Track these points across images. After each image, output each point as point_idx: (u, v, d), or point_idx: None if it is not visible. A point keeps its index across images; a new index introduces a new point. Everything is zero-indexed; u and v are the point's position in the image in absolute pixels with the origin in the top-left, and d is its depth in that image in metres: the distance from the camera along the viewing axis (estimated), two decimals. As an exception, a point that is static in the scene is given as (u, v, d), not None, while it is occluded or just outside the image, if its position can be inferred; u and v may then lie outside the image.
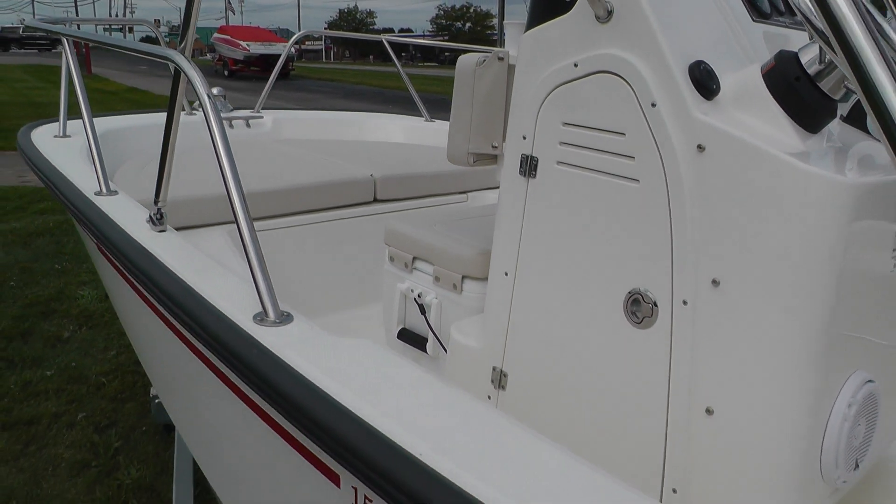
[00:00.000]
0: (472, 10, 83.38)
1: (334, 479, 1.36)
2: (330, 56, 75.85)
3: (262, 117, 4.51)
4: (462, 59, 2.25)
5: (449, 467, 1.05)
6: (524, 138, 1.73)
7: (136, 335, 2.82)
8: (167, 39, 6.03)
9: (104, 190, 2.48)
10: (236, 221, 1.62)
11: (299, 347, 1.43)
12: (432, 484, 1.03)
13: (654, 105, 1.45)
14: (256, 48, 30.53)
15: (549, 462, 1.08)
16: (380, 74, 41.49)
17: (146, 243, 2.01)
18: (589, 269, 1.62)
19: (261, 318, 1.56)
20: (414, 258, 2.35)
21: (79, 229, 3.25)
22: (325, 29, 76.88)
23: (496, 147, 2.22)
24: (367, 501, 1.28)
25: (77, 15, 37.37)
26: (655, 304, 1.50)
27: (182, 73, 1.93)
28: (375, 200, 3.36)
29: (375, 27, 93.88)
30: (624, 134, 1.52)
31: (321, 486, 1.41)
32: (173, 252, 1.95)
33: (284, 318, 1.56)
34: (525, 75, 1.73)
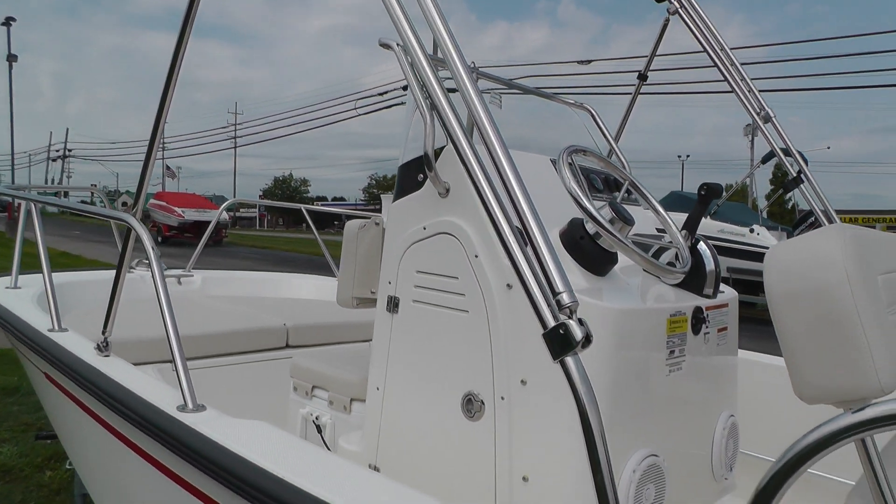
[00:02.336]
0: None
1: None
2: (264, 223, 76.50)
3: (192, 276, 4.94)
4: (349, 224, 2.69)
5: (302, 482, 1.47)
6: (389, 283, 2.16)
7: (70, 437, 3.11)
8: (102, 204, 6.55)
9: (56, 327, 2.85)
10: (166, 330, 2.05)
11: (212, 425, 1.82)
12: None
13: (476, 256, 1.91)
14: (191, 215, 29.72)
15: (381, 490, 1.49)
16: (312, 242, 42.16)
17: (95, 363, 2.37)
18: (435, 379, 2.01)
19: (182, 407, 1.94)
20: (313, 387, 2.66)
21: (26, 365, 3.58)
22: (261, 197, 77.76)
23: (374, 293, 2.60)
24: None
25: (13, 181, 37.65)
26: (483, 402, 1.88)
27: (132, 231, 2.37)
28: (287, 346, 3.74)
29: (309, 195, 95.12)
30: (457, 278, 1.96)
31: None
32: (117, 368, 2.32)
33: (199, 408, 1.95)
34: (392, 234, 2.17)
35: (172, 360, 2.05)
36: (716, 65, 2.89)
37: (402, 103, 33.59)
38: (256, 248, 34.76)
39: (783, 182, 3.07)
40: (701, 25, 2.93)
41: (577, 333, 1.21)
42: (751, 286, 13.05)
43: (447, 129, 1.52)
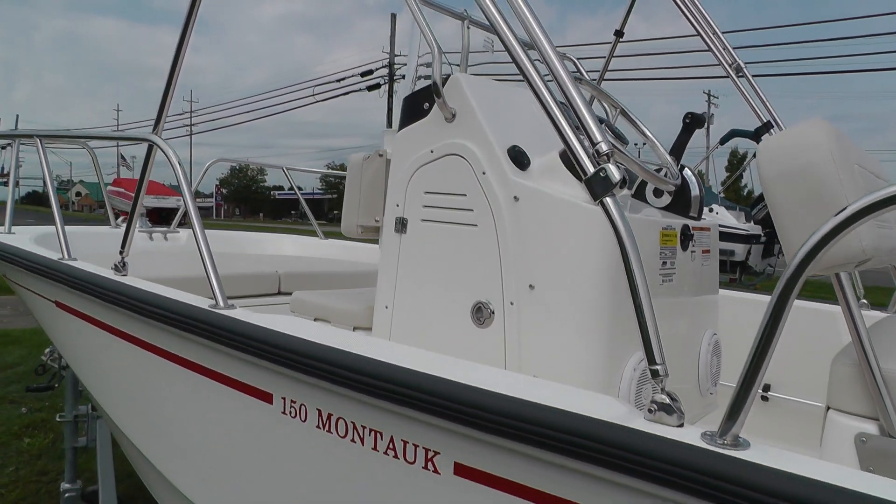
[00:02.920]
0: None
1: (266, 397, 1.96)
2: (220, 213, 75.80)
3: (178, 233, 5.08)
4: (352, 156, 2.83)
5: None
6: (397, 206, 2.28)
7: (87, 362, 3.25)
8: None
9: (66, 257, 3.02)
10: (194, 231, 2.31)
11: (245, 317, 2.08)
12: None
13: (484, 173, 2.04)
14: (150, 201, 29.62)
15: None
16: (270, 230, 42.03)
17: (115, 279, 2.61)
18: (445, 292, 2.14)
19: (213, 305, 2.17)
20: (315, 318, 2.75)
21: (30, 300, 3.70)
22: (217, 186, 76.83)
23: (378, 221, 2.73)
24: (293, 405, 1.89)
25: None
26: (492, 310, 2.00)
27: (154, 148, 2.64)
28: (279, 292, 3.89)
29: (266, 184, 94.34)
30: (465, 195, 2.09)
31: (255, 406, 2.00)
32: (141, 284, 2.53)
33: (229, 306, 2.18)
34: (398, 160, 2.30)
35: (202, 263, 2.27)
36: (686, 17, 3.02)
37: (358, 90, 33.81)
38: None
39: (756, 129, 3.19)
40: None
41: (615, 175, 1.43)
42: (714, 263, 13.34)
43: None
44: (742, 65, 3.02)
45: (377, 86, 33.42)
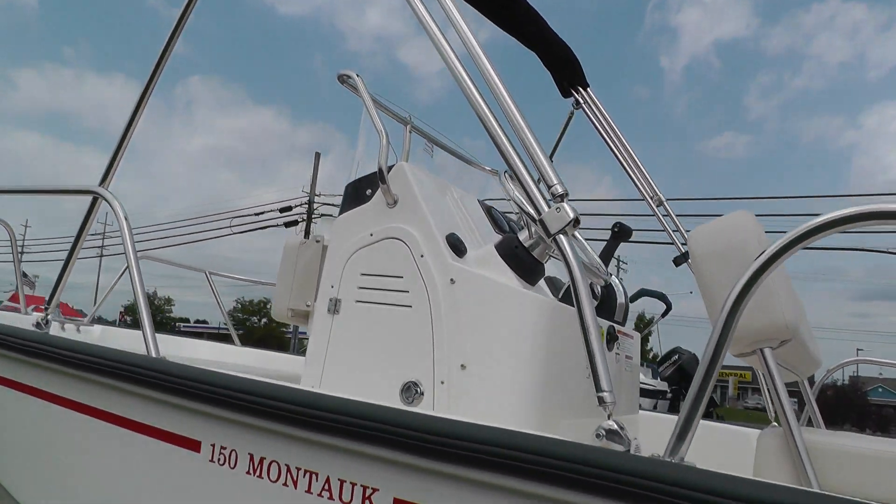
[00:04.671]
0: (268, 306, 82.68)
1: (194, 445, 1.93)
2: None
3: (92, 328, 4.89)
4: (288, 238, 2.91)
5: None
6: (332, 287, 2.35)
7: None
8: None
9: None
10: (132, 284, 2.34)
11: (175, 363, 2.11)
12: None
13: (422, 256, 2.14)
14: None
15: None
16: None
17: (35, 331, 2.58)
18: (374, 371, 2.19)
19: (145, 357, 2.16)
20: None
21: None
22: (121, 313, 74.31)
23: (309, 305, 2.73)
24: (222, 451, 1.87)
25: None
26: (421, 390, 2.06)
27: (99, 201, 2.66)
28: None
29: (172, 314, 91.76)
30: (402, 276, 2.18)
31: (182, 456, 1.96)
32: (69, 334, 2.45)
33: (160, 357, 2.20)
34: (336, 243, 2.39)
35: (137, 311, 2.32)
36: (614, 153, 3.27)
37: (276, 225, 33.80)
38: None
39: (673, 259, 3.46)
40: (602, 119, 3.33)
41: (570, 213, 1.53)
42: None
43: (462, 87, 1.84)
44: (663, 199, 3.26)
45: (295, 223, 33.61)
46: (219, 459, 1.93)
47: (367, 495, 1.63)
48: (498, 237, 2.46)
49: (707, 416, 14.91)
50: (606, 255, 2.56)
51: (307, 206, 34.22)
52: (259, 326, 76.43)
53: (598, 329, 1.50)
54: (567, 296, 2.49)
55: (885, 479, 1.42)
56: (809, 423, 2.93)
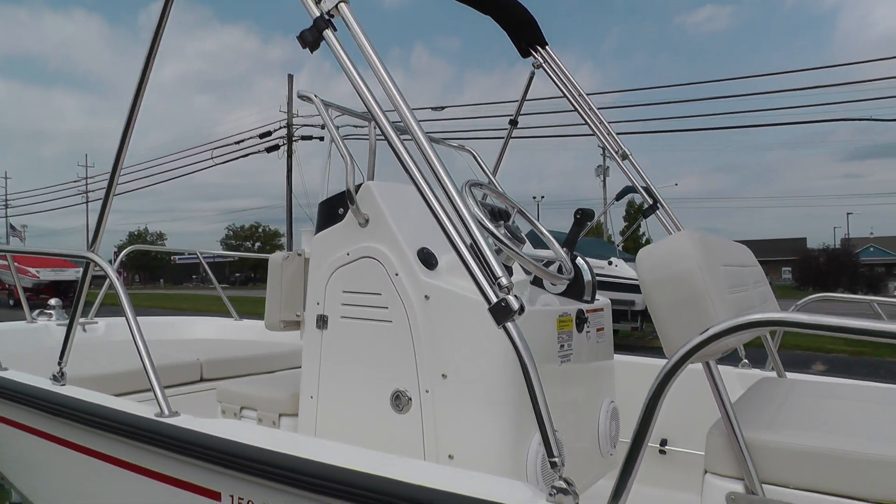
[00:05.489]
0: (260, 230, 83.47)
1: (215, 496, 2.08)
2: (126, 280, 73.44)
3: (96, 322, 5.10)
4: (273, 255, 3.02)
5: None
6: (318, 304, 2.48)
7: (34, 478, 3.21)
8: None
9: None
10: (136, 345, 2.45)
11: (191, 424, 2.20)
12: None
13: (396, 274, 2.26)
14: (46, 274, 28.31)
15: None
16: (172, 297, 40.84)
17: (57, 390, 2.69)
18: (365, 382, 2.33)
19: (159, 414, 2.28)
20: (241, 408, 2.94)
21: None
22: (115, 252, 74.27)
23: (299, 316, 2.91)
24: (240, 500, 2.02)
25: None
26: (409, 398, 2.21)
27: (91, 264, 2.82)
28: (202, 380, 3.98)
29: (165, 249, 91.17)
30: (380, 294, 2.29)
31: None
32: (81, 394, 2.61)
33: (175, 413, 2.29)
34: (317, 261, 2.49)
35: (146, 371, 2.40)
36: (577, 110, 3.36)
37: (257, 152, 33.60)
38: (116, 305, 32.34)
39: (642, 210, 3.56)
40: (562, 76, 3.39)
41: (515, 304, 1.67)
42: (613, 315, 13.78)
43: (398, 155, 1.89)
44: (628, 151, 3.35)
45: (276, 147, 33.36)
46: None
47: None
48: None
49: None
50: (572, 241, 2.68)
51: (286, 129, 33.91)
52: (253, 250, 76.48)
53: (546, 407, 1.65)
54: (539, 279, 2.61)
55: (823, 475, 1.56)
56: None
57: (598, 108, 3.41)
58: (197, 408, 3.52)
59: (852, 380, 3.04)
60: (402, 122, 1.92)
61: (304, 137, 33.52)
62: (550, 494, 1.57)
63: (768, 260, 70.19)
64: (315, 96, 2.54)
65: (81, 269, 2.95)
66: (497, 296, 1.70)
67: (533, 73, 3.66)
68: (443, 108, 25.81)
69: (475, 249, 1.73)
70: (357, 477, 1.75)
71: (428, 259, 2.28)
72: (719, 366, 3.37)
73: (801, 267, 53.85)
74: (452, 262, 2.31)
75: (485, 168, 3.68)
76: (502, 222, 2.66)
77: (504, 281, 1.69)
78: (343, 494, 1.76)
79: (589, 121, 3.34)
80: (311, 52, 2.02)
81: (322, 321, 2.48)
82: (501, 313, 1.68)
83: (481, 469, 2.06)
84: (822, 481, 1.54)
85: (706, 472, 1.78)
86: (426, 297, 2.22)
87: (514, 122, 4.04)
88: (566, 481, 1.57)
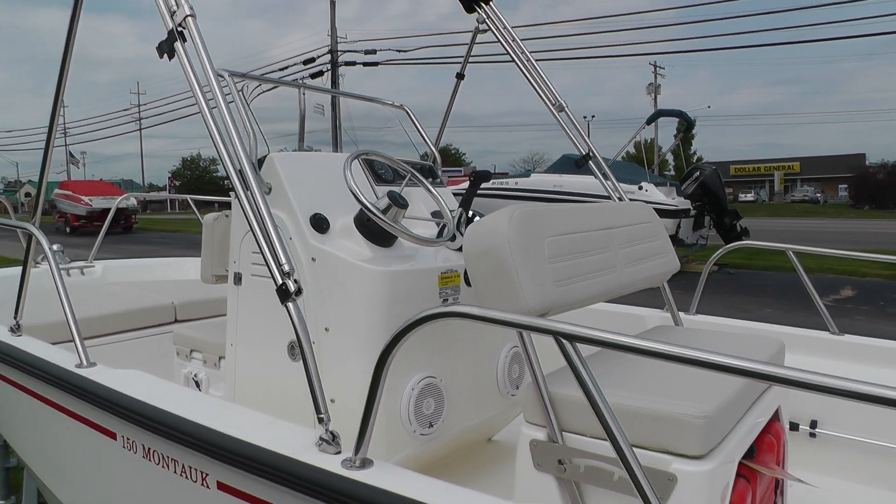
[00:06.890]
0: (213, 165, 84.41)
1: (111, 435, 2.36)
2: (175, 206, 74.94)
3: (93, 266, 5.47)
4: (206, 216, 3.36)
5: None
6: (234, 262, 2.75)
7: (6, 415, 3.49)
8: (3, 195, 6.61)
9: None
10: (62, 305, 2.63)
11: (104, 375, 2.41)
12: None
13: (290, 238, 2.49)
14: (99, 202, 29.18)
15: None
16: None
17: (10, 342, 2.94)
18: (268, 333, 2.60)
19: (78, 365, 2.53)
20: (191, 350, 3.27)
21: None
22: (170, 178, 75.63)
23: (227, 270, 3.03)
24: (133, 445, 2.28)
25: None
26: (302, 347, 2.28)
27: (33, 237, 2.99)
28: (176, 321, 4.29)
29: (218, 174, 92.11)
30: None
31: (101, 442, 2.39)
32: (30, 344, 2.88)
33: (91, 364, 2.54)
34: (234, 224, 2.76)
35: (68, 324, 2.61)
36: (518, 66, 3.53)
37: (303, 78, 33.50)
38: (167, 232, 33.42)
39: (575, 162, 3.71)
40: (504, 32, 3.55)
41: (292, 287, 1.89)
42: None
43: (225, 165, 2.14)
44: (564, 104, 3.52)
45: (320, 73, 33.35)
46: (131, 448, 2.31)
47: (203, 477, 2.03)
48: (381, 189, 2.88)
49: (731, 229, 15.15)
50: (467, 201, 2.87)
51: (330, 54, 33.88)
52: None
53: (317, 373, 1.86)
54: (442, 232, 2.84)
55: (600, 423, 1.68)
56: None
57: (536, 57, 3.55)
58: (170, 348, 3.79)
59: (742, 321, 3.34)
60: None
61: (347, 63, 33.49)
62: (318, 444, 1.79)
63: (823, 177, 68.21)
64: (228, 75, 2.72)
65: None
66: (282, 279, 1.91)
67: (477, 29, 3.79)
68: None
69: (267, 238, 1.95)
70: (196, 429, 1.99)
71: (319, 224, 2.51)
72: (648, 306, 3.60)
73: (857, 184, 52.39)
74: (347, 225, 2.56)
75: (419, 126, 3.77)
76: (396, 185, 2.89)
77: (286, 267, 1.91)
78: (187, 441, 2.01)
79: (529, 75, 3.50)
80: (170, 60, 2.25)
81: (238, 278, 2.75)
82: (282, 294, 1.90)
83: (356, 411, 2.31)
84: (599, 429, 1.66)
85: (525, 421, 1.99)
86: (313, 259, 2.47)
87: (460, 76, 4.17)
88: (332, 434, 1.79)
